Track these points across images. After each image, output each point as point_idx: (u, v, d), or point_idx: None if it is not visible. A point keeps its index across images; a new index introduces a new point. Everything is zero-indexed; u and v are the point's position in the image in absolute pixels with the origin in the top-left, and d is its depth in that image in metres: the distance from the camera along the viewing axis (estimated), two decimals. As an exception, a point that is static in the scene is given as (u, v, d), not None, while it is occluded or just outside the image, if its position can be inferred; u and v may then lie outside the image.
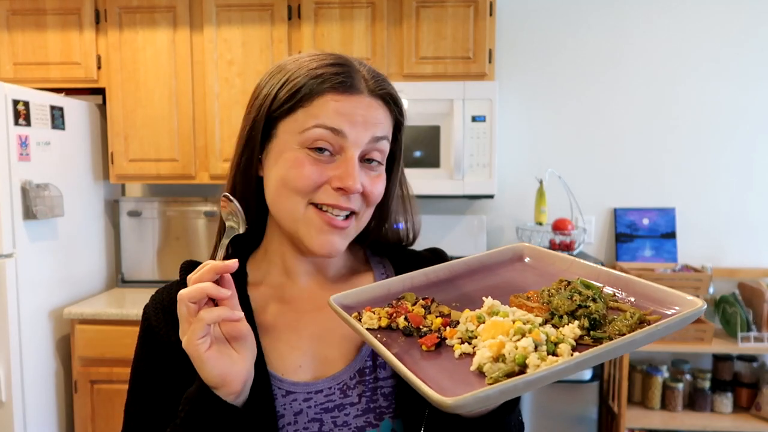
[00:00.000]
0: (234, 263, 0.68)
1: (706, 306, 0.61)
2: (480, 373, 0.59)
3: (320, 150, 0.74)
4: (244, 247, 0.87)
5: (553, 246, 2.70)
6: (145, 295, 3.21)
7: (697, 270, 2.74)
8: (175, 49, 2.74)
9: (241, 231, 0.74)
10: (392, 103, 0.79)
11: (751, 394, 2.68)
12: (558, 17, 2.93)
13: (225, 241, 0.74)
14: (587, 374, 2.57)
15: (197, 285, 0.66)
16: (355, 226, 0.79)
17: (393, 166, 0.85)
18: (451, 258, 0.95)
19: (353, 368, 0.79)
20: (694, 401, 2.71)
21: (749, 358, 2.71)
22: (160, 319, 0.79)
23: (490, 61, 2.65)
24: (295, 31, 2.69)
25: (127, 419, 0.80)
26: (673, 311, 0.62)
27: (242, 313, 0.69)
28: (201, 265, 0.69)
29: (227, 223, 0.75)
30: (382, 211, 0.86)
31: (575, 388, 2.62)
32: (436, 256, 0.92)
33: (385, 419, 0.77)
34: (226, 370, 0.67)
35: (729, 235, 2.92)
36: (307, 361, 0.79)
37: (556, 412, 2.91)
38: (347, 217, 0.77)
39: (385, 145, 0.79)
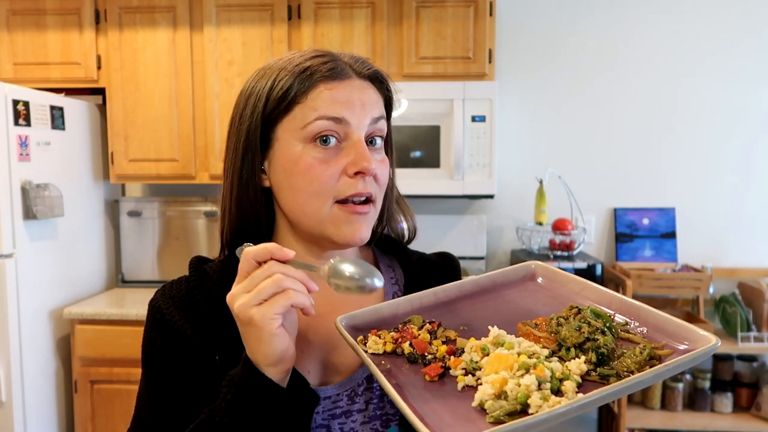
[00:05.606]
0: (291, 252, 0.67)
1: (719, 344, 0.59)
2: (482, 409, 0.58)
3: (325, 140, 0.73)
4: None
5: (553, 246, 2.70)
6: (145, 295, 3.19)
7: (697, 270, 2.74)
8: (175, 49, 2.73)
9: (377, 285, 0.68)
10: (380, 81, 0.80)
11: (751, 394, 2.68)
12: (558, 17, 2.93)
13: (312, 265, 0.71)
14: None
15: (263, 245, 0.66)
16: (374, 212, 0.78)
17: (388, 148, 0.84)
18: (459, 260, 0.95)
19: (361, 375, 0.78)
20: (694, 401, 2.71)
21: (749, 358, 2.71)
22: (173, 313, 0.78)
23: (490, 61, 2.65)
24: (295, 31, 2.69)
25: (139, 411, 0.80)
26: (685, 346, 0.60)
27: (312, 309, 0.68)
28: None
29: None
30: (386, 200, 0.85)
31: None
32: (446, 261, 0.91)
33: (392, 426, 0.77)
34: (286, 346, 0.66)
35: (729, 235, 2.92)
36: (315, 366, 0.78)
37: (556, 412, 2.90)
38: (364, 202, 0.76)
39: (384, 125, 0.79)
